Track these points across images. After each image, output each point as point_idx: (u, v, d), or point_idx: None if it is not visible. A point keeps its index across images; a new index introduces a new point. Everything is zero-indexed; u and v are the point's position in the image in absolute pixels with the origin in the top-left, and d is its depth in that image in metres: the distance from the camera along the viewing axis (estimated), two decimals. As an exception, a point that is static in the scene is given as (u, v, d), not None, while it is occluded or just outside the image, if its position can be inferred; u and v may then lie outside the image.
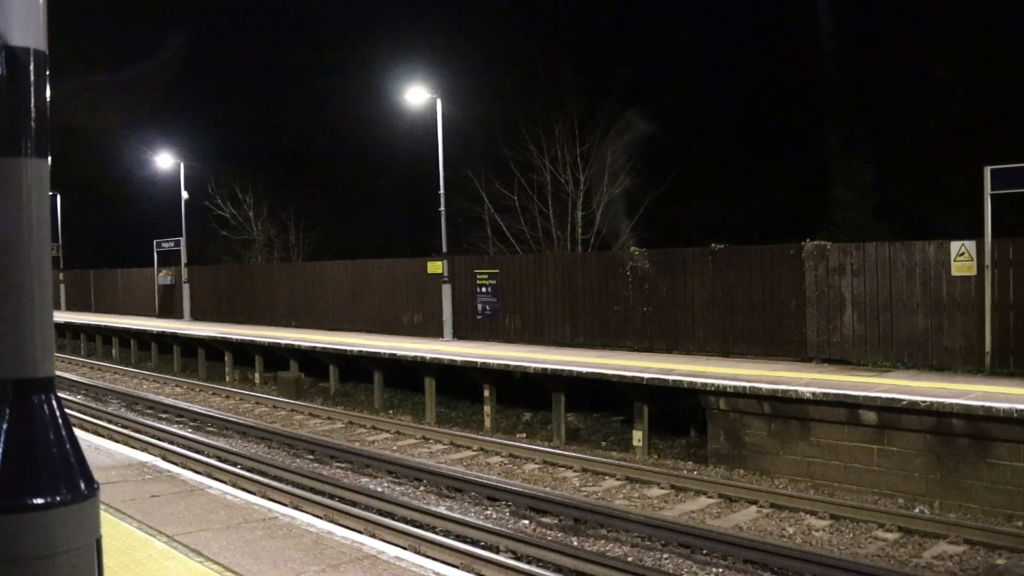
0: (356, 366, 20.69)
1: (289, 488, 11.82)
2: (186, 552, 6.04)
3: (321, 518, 8.48)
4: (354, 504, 11.06)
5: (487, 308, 20.73)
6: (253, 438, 16.08)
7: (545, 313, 19.52)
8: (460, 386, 18.13)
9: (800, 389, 12.15)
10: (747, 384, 12.80)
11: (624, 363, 15.38)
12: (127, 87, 37.66)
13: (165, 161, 34.32)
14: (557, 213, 27.30)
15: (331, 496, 11.47)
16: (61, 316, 36.48)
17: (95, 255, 44.48)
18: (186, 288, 32.36)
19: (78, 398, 21.69)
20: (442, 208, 22.04)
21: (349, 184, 40.47)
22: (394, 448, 15.08)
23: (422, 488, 12.14)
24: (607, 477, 12.54)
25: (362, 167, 39.21)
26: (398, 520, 10.25)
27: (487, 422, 16.93)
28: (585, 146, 26.67)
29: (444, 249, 21.98)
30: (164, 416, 18.93)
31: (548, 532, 10.07)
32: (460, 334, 21.22)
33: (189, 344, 27.10)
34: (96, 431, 16.10)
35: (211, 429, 17.19)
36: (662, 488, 11.86)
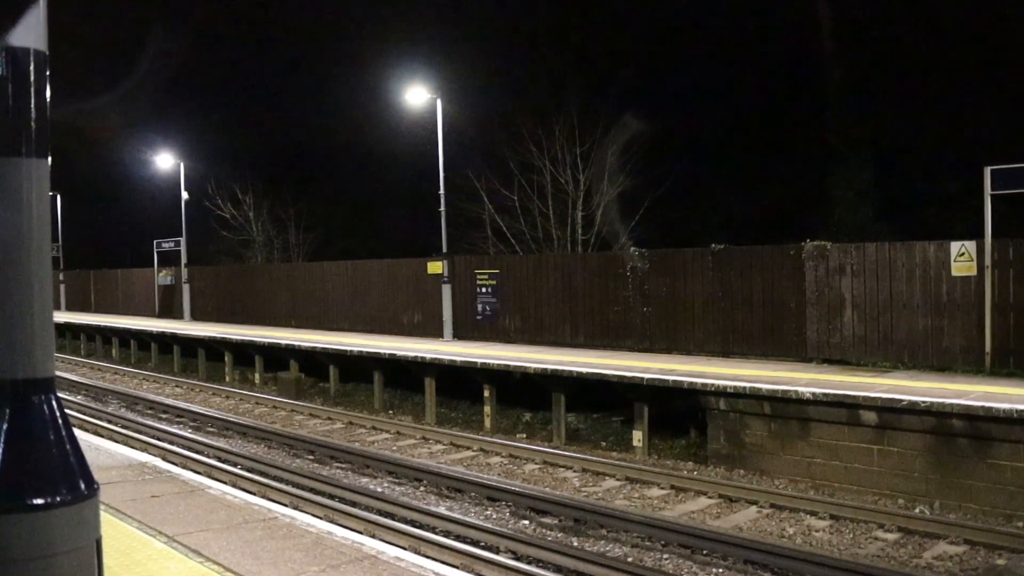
0: (356, 366, 20.69)
1: (289, 488, 11.81)
2: (186, 552, 6.04)
3: (321, 518, 8.48)
4: (354, 504, 11.05)
5: (487, 308, 20.73)
6: (253, 438, 16.08)
7: (545, 313, 19.51)
8: (460, 386, 18.13)
9: (800, 389, 12.14)
10: (747, 384, 12.79)
11: (624, 363, 15.38)
12: (127, 87, 37.66)
13: (165, 161, 34.31)
14: (557, 213, 27.30)
15: (331, 496, 11.46)
16: (61, 316, 36.47)
17: (95, 255, 44.51)
18: (186, 288, 32.36)
19: (78, 398, 21.69)
20: (442, 208, 22.04)
21: (349, 184, 40.52)
22: (394, 448, 15.08)
23: (422, 488, 12.14)
24: (607, 477, 12.53)
25: (362, 167, 39.27)
26: (398, 520, 10.25)
27: (487, 422, 16.93)
28: (585, 146, 26.68)
29: (444, 249, 21.97)
30: (164, 416, 18.93)
31: (548, 532, 10.07)
32: (460, 334, 21.21)
33: (189, 344, 27.10)
34: (96, 431, 16.10)
35: (211, 429, 17.19)
36: (662, 488, 11.86)
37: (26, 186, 2.25)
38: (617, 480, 12.36)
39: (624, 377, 14.32)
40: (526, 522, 10.46)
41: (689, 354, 16.61)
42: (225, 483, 10.39)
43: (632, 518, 10.08)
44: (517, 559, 8.87)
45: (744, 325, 15.95)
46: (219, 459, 14.00)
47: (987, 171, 12.93)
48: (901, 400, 11.14)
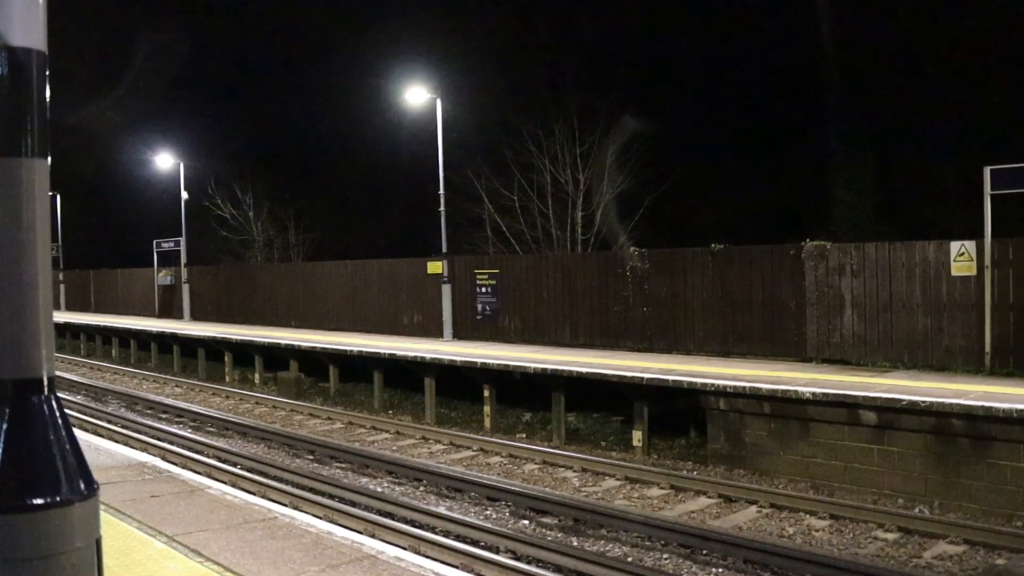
0: (356, 366, 20.69)
1: (289, 488, 11.81)
2: (186, 552, 6.04)
3: (321, 518, 8.48)
4: (354, 504, 11.05)
5: (487, 308, 20.73)
6: (253, 438, 16.08)
7: (545, 313, 19.51)
8: (460, 386, 18.13)
9: (800, 389, 12.14)
10: (747, 384, 12.79)
11: (624, 363, 15.38)
12: (127, 87, 37.66)
13: (165, 161, 34.33)
14: (557, 213, 27.31)
15: (331, 496, 11.47)
16: (61, 316, 36.48)
17: (95, 255, 44.48)
18: (186, 288, 32.36)
19: (78, 398, 21.69)
20: (442, 208, 22.04)
21: (349, 184, 40.49)
22: (394, 448, 15.08)
23: (422, 488, 12.14)
24: (607, 477, 12.54)
25: (362, 167, 39.22)
26: (398, 520, 10.25)
27: (487, 422, 16.93)
28: (585, 146, 26.68)
29: (444, 249, 21.97)
30: (164, 416, 18.93)
31: (548, 532, 10.07)
32: (460, 334, 21.21)
33: (189, 344, 27.10)
34: (96, 431, 16.10)
35: (211, 429, 17.19)
36: (662, 488, 11.86)
37: (26, 186, 2.25)
38: (617, 480, 12.36)
39: (624, 377, 14.32)
40: (526, 522, 10.46)
41: (689, 354, 16.61)
42: (225, 483, 10.39)
43: (632, 518, 10.08)
44: (517, 559, 8.88)
45: (744, 325, 15.95)
46: (219, 459, 14.00)
47: (987, 171, 12.93)
48: (901, 400, 11.14)
